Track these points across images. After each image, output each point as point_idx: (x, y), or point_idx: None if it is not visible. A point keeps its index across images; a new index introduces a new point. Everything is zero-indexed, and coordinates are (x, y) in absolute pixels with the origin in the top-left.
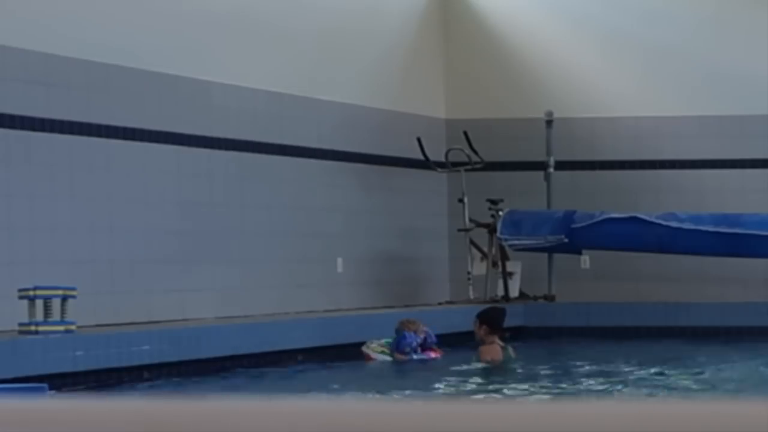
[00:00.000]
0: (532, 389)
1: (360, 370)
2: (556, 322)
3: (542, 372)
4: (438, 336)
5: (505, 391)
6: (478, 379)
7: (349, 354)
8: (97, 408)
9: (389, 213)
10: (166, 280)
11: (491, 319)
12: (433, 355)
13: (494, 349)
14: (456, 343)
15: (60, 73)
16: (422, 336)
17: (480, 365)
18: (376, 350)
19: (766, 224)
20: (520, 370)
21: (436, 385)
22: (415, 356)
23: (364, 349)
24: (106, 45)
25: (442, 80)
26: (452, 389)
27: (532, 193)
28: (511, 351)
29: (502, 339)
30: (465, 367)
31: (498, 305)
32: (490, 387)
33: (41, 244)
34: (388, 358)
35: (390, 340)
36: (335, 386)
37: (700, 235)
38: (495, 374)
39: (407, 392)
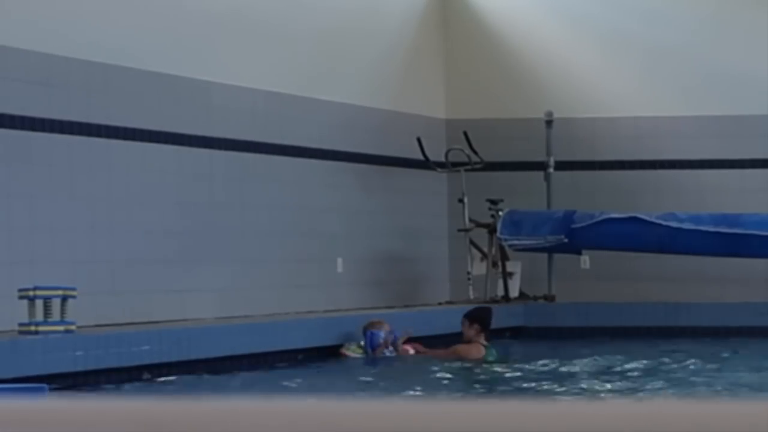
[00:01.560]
0: (531, 389)
1: (358, 371)
2: (556, 322)
3: (542, 372)
4: (438, 336)
5: (496, 390)
6: (463, 379)
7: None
8: (97, 408)
9: (389, 213)
10: (166, 280)
11: (481, 318)
12: (411, 351)
13: (476, 348)
14: (455, 343)
15: (60, 73)
16: (386, 334)
17: (463, 364)
18: (356, 351)
19: (766, 224)
20: (510, 370)
21: (434, 385)
22: (387, 353)
23: (343, 350)
24: (106, 45)
25: (442, 80)
26: (440, 390)
27: (532, 193)
28: (494, 351)
29: (487, 339)
30: (447, 365)
31: (484, 305)
32: (477, 386)
33: (41, 244)
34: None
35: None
36: (334, 386)
37: (700, 235)
38: (478, 373)
39: (405, 393)
